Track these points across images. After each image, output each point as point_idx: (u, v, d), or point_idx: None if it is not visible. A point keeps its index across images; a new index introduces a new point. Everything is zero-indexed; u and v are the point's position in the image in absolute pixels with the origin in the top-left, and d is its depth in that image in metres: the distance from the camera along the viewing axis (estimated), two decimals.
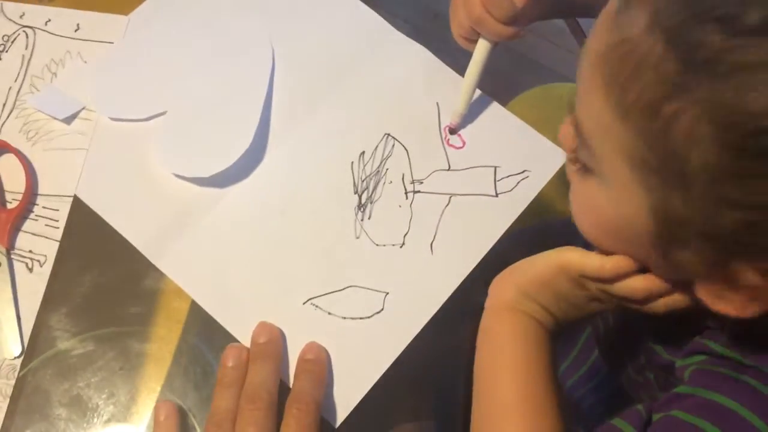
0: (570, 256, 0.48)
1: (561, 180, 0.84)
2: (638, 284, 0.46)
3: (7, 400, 0.53)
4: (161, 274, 0.57)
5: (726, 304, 0.40)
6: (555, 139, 0.75)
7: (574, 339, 0.75)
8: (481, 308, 0.53)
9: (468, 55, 0.60)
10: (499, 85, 0.66)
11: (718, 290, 0.40)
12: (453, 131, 0.62)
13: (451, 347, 0.57)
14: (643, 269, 0.46)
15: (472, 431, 0.51)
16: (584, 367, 0.73)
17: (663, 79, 0.35)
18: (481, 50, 0.59)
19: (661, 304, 0.46)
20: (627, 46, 0.37)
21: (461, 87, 0.61)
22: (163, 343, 0.56)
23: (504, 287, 0.52)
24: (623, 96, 0.37)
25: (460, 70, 0.63)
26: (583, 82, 0.41)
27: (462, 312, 0.58)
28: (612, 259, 0.46)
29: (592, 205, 0.44)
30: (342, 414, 0.53)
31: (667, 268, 0.44)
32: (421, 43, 0.66)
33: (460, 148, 0.62)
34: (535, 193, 0.60)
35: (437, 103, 0.63)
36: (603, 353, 0.69)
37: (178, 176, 0.59)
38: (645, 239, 0.41)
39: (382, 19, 0.67)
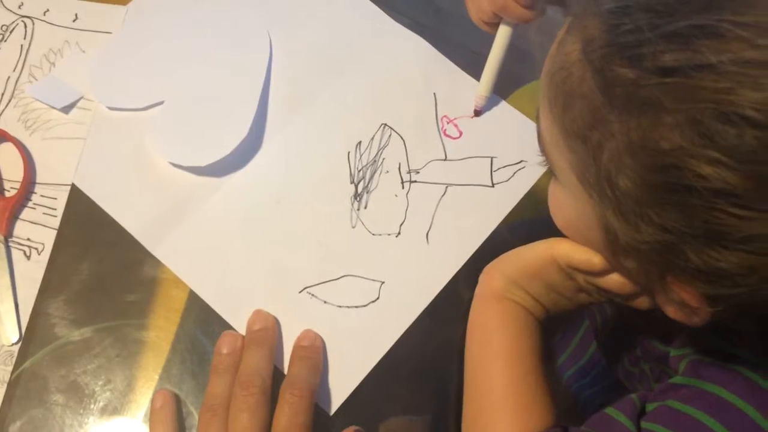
0: (560, 247, 0.49)
1: None
2: (623, 279, 0.46)
3: (5, 386, 0.53)
4: (159, 263, 0.57)
5: (674, 312, 0.41)
6: None
7: (574, 330, 0.75)
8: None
9: (467, 51, 0.61)
10: (503, 79, 0.66)
11: (665, 299, 0.41)
12: (478, 113, 0.63)
13: (447, 339, 0.57)
14: None
15: (464, 419, 0.51)
16: (583, 359, 0.73)
17: (590, 107, 0.37)
18: (503, 34, 0.60)
19: (647, 300, 0.47)
20: (564, 72, 0.39)
21: (484, 70, 0.62)
22: (160, 331, 0.56)
23: (493, 276, 0.53)
24: (563, 117, 0.40)
25: (462, 64, 0.63)
26: (540, 98, 0.43)
27: (457, 304, 0.58)
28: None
29: (559, 205, 0.47)
30: (337, 402, 0.53)
31: (621, 272, 0.45)
32: (425, 38, 0.66)
33: (457, 138, 0.62)
34: (532, 184, 0.60)
35: (434, 94, 0.63)
36: (600, 345, 0.69)
37: (175, 165, 0.59)
38: (600, 244, 0.43)
39: (380, 10, 0.67)
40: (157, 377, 0.55)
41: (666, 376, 0.53)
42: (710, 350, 0.46)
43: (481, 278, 0.54)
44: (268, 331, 0.54)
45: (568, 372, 0.72)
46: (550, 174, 0.47)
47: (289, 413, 0.49)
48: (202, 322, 0.56)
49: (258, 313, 0.55)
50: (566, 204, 0.44)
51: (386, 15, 0.66)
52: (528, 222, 0.75)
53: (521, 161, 0.61)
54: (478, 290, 0.54)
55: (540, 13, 0.57)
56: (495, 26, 0.60)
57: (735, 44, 0.33)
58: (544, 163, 0.46)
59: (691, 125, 0.33)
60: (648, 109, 0.34)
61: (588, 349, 0.71)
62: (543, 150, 0.45)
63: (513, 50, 0.61)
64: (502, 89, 0.64)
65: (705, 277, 0.37)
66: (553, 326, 0.58)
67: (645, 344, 0.57)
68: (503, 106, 0.64)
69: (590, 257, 0.47)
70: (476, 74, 0.63)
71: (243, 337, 0.54)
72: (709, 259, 0.35)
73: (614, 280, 0.47)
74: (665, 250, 0.37)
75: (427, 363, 0.57)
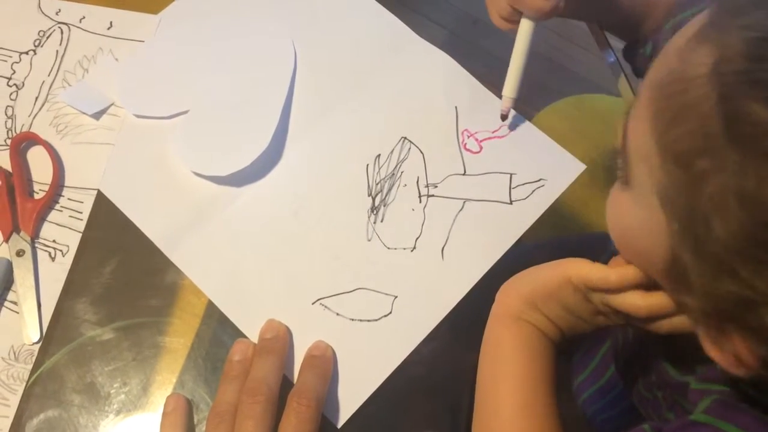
0: (575, 266, 0.48)
1: (584, 191, 0.83)
2: (640, 302, 0.45)
3: (24, 384, 0.55)
4: (180, 269, 0.58)
5: (718, 355, 0.39)
6: (584, 151, 0.74)
7: (595, 350, 0.74)
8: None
9: (504, 64, 0.59)
10: (533, 92, 0.65)
11: (713, 339, 0.39)
12: (504, 117, 0.62)
13: (459, 357, 0.57)
14: (650, 285, 0.45)
15: (475, 428, 0.51)
16: (601, 380, 0.72)
17: (705, 133, 0.34)
18: (524, 30, 0.58)
19: (664, 325, 0.45)
20: (681, 85, 0.35)
21: (509, 70, 0.60)
22: (178, 337, 0.57)
23: (509, 295, 0.52)
24: (666, 133, 0.36)
25: (497, 77, 0.62)
26: (639, 100, 0.40)
27: (471, 322, 0.58)
28: (617, 271, 0.45)
29: (621, 213, 0.44)
30: (345, 414, 0.54)
31: (672, 299, 0.43)
32: (459, 49, 0.65)
33: (477, 152, 0.61)
34: (550, 203, 0.59)
35: (456, 107, 0.63)
36: (618, 367, 0.68)
37: (197, 174, 0.60)
38: (660, 267, 0.40)
39: (404, 24, 0.67)
40: (171, 382, 0.56)
41: (679, 407, 0.52)
42: (741, 394, 0.44)
43: (498, 297, 0.53)
44: (279, 340, 0.54)
45: (586, 393, 0.71)
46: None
47: (295, 422, 0.49)
48: (219, 329, 0.57)
49: (270, 323, 0.55)
50: (632, 215, 0.42)
51: (409, 29, 0.66)
52: (547, 244, 0.74)
53: (540, 179, 0.60)
54: (494, 309, 0.53)
55: (557, 8, 0.55)
56: (514, 24, 0.58)
57: None
58: (617, 168, 0.43)
59: None
60: None
61: (607, 370, 0.70)
62: (624, 156, 0.41)
63: (541, 60, 0.59)
64: (531, 103, 0.64)
65: None
66: (573, 345, 0.57)
67: (660, 370, 0.55)
68: (523, 121, 0.63)
69: (606, 274, 0.46)
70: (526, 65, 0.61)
71: (255, 345, 0.55)
72: None
73: (629, 302, 0.45)
74: (740, 305, 0.35)
75: (439, 379, 0.57)
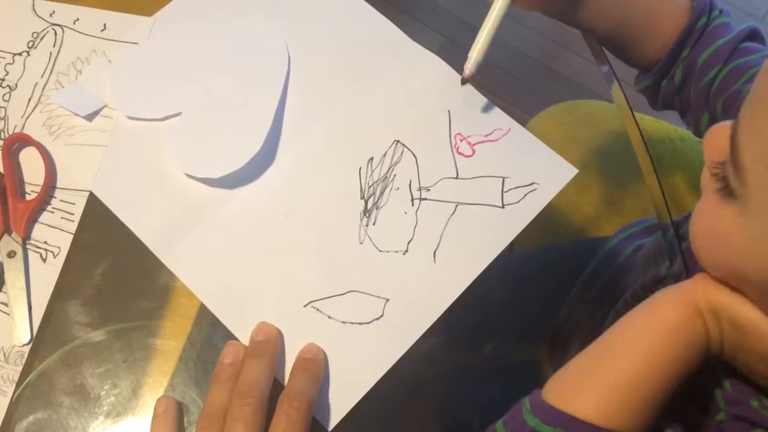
0: None
1: (577, 196, 0.84)
2: None
3: (13, 385, 0.54)
4: (172, 272, 0.58)
5: None
6: (577, 156, 0.74)
7: None
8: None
9: (500, 71, 0.60)
10: (528, 97, 0.66)
11: None
12: (464, 81, 0.62)
13: (451, 360, 0.57)
14: None
15: (576, 365, 0.49)
16: None
17: None
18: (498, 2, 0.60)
19: None
20: None
21: (478, 35, 0.61)
22: (169, 339, 0.57)
23: (706, 292, 0.46)
24: None
25: (493, 83, 0.63)
26: (762, 100, 0.37)
27: (463, 325, 0.58)
28: None
29: (721, 232, 0.41)
30: (336, 417, 0.53)
31: None
32: (454, 54, 0.66)
33: (470, 156, 0.61)
34: (542, 207, 0.59)
35: (449, 111, 0.63)
36: None
37: (189, 176, 0.60)
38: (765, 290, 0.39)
39: (397, 28, 0.67)
40: (162, 384, 0.56)
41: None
42: None
43: (696, 280, 0.47)
44: (270, 342, 0.54)
45: None
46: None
47: (285, 424, 0.49)
48: (211, 332, 0.57)
49: (262, 325, 0.55)
50: (736, 233, 0.39)
51: (402, 32, 0.66)
52: (540, 249, 0.74)
53: (532, 183, 0.60)
54: (685, 286, 0.48)
55: None
56: None
57: None
58: (717, 178, 0.41)
59: None
60: None
61: None
62: (734, 165, 0.39)
63: (536, 66, 0.60)
64: (525, 107, 0.64)
65: None
66: None
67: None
68: (516, 126, 0.63)
69: None
70: (506, 95, 0.62)
71: (246, 347, 0.55)
72: None
73: None
74: None
75: (430, 382, 0.57)
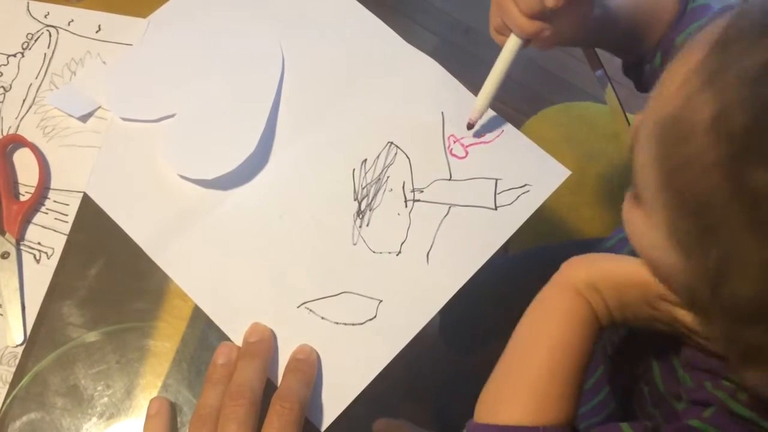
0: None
1: (572, 197, 0.84)
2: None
3: (7, 386, 0.54)
4: (166, 273, 0.58)
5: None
6: (572, 157, 0.74)
7: (591, 370, 0.74)
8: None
9: None
10: (524, 99, 0.66)
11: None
12: (470, 126, 0.62)
13: (443, 360, 0.57)
14: None
15: (488, 384, 0.52)
16: (594, 400, 0.71)
17: (710, 188, 0.33)
18: (509, 46, 0.58)
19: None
20: (682, 129, 0.35)
21: (485, 82, 0.60)
22: (163, 340, 0.57)
23: (579, 269, 0.52)
24: (671, 178, 0.36)
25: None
26: (644, 126, 0.39)
27: (456, 326, 0.58)
28: None
29: (638, 230, 0.43)
30: (329, 418, 0.54)
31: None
32: (450, 56, 0.66)
33: (463, 158, 0.62)
34: (534, 209, 0.59)
35: (442, 113, 0.63)
36: (613, 388, 0.68)
37: (183, 177, 0.60)
38: (680, 290, 0.41)
39: (391, 30, 0.67)
40: (156, 385, 0.56)
41: (666, 405, 0.52)
42: (732, 415, 0.45)
43: (563, 267, 0.53)
44: (263, 343, 0.54)
45: (581, 408, 0.71)
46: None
47: (278, 425, 0.49)
48: (205, 333, 0.57)
49: (255, 326, 0.55)
50: (648, 235, 0.41)
51: (396, 35, 0.67)
52: (535, 250, 0.74)
53: (525, 185, 0.60)
54: (556, 277, 0.53)
55: (545, 32, 0.55)
56: (506, 37, 0.58)
57: None
58: (630, 189, 0.44)
59: None
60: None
61: (600, 391, 0.69)
62: (634, 173, 0.41)
63: (533, 68, 0.60)
64: (521, 109, 0.64)
65: None
66: None
67: (649, 373, 0.56)
68: (510, 127, 0.63)
69: None
70: (501, 97, 0.60)
71: (239, 348, 0.55)
72: None
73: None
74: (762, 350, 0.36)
75: (423, 383, 0.57)
